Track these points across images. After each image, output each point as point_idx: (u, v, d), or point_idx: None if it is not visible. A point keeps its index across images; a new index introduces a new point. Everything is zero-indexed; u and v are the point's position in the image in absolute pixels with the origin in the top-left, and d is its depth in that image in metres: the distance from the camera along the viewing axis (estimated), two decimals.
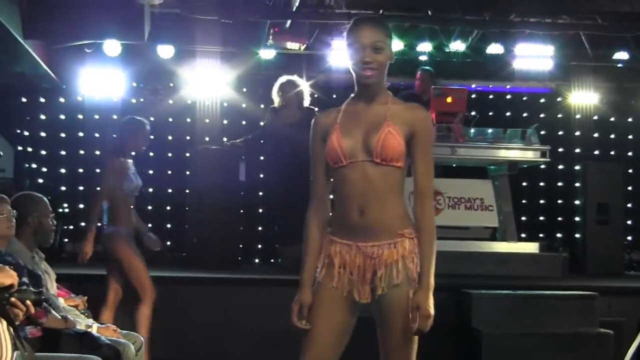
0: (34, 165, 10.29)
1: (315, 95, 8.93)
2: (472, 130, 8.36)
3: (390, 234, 3.04)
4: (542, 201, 11.09)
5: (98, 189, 5.85)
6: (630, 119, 11.20)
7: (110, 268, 5.87)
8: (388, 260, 3.03)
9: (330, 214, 3.22)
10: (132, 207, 5.96)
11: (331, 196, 3.27)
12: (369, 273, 3.04)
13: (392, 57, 3.14)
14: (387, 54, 3.09)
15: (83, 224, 10.17)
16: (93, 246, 5.74)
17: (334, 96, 10.76)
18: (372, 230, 3.04)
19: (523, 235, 10.07)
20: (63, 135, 10.44)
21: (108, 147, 6.18)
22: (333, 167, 3.13)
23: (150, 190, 10.39)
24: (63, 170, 10.37)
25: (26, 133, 10.39)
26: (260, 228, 10.32)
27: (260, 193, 10.23)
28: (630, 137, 11.24)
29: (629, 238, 10.47)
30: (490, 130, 8.50)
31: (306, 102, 8.17)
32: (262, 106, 9.62)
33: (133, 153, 6.07)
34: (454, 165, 8.95)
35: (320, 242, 3.16)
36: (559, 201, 11.01)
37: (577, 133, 10.91)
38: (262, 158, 9.60)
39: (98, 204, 5.81)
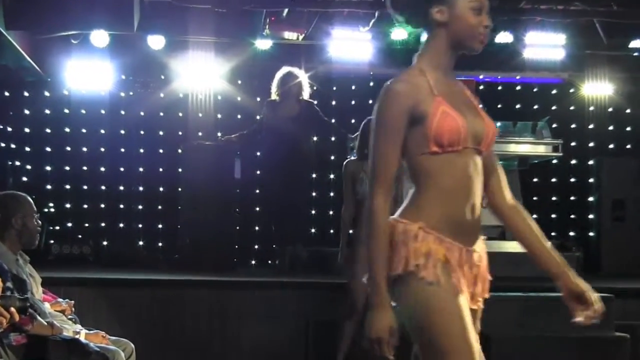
0: (17, 163, 10.28)
1: (315, 88, 8.91)
2: None
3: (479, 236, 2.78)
4: (554, 198, 11.08)
5: None
6: None
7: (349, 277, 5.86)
8: (485, 269, 2.76)
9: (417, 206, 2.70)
10: None
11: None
12: (472, 282, 2.71)
13: None
14: None
15: (69, 224, 10.19)
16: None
17: (334, 88, 10.75)
18: (477, 232, 2.73)
19: None
20: (48, 130, 10.43)
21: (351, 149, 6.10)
22: (434, 151, 2.63)
23: (141, 188, 10.40)
24: (48, 168, 10.37)
25: (9, 129, 10.37)
26: (257, 228, 10.32)
27: (257, 191, 10.22)
28: None
29: None
30: (499, 124, 8.48)
31: (305, 95, 8.16)
32: (258, 99, 9.63)
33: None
34: None
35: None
36: (572, 198, 11.00)
37: (591, 126, 10.89)
38: (258, 154, 9.58)
39: (344, 210, 5.92)
